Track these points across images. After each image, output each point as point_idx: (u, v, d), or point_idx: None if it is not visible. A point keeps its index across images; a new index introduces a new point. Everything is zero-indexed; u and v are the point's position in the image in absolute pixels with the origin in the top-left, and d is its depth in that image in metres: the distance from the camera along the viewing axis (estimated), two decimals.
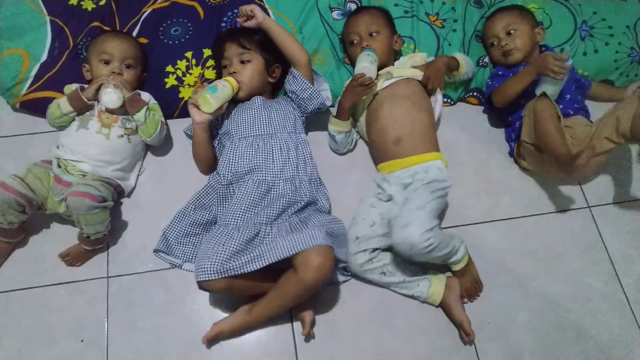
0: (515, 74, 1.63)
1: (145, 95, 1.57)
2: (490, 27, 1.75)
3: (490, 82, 1.73)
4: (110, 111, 1.49)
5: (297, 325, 1.40)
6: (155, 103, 1.59)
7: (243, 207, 1.37)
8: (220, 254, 1.24)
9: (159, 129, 1.53)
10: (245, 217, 1.36)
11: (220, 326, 1.34)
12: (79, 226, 1.36)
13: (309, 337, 1.37)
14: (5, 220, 1.35)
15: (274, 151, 1.45)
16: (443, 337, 1.43)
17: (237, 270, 1.23)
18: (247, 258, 1.24)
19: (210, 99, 1.40)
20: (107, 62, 1.53)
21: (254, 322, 1.35)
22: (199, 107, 1.42)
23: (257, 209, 1.38)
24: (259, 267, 1.23)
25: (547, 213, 1.63)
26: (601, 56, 1.82)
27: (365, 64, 1.52)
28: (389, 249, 1.45)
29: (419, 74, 1.62)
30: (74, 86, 1.51)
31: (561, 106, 1.58)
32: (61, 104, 1.48)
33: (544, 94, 1.49)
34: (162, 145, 1.64)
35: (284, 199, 1.38)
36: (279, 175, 1.42)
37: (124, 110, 1.50)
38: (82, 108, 1.48)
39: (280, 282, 1.29)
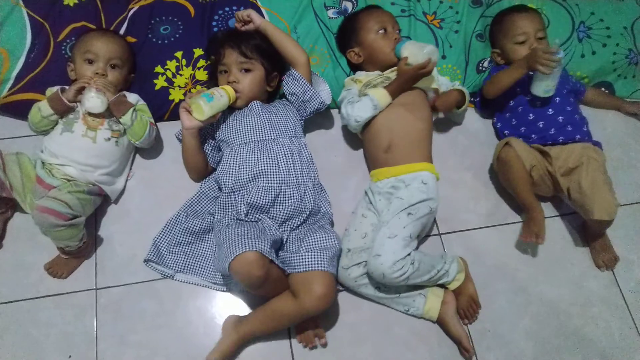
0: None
1: (133, 97, 1.50)
2: (522, 23, 1.67)
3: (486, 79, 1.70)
4: (95, 114, 1.42)
5: (295, 337, 1.37)
6: (144, 104, 1.53)
7: (248, 211, 1.34)
8: (259, 240, 1.18)
9: (148, 131, 1.46)
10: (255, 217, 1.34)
11: (212, 358, 1.28)
12: None
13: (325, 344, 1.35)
14: None
15: (278, 157, 1.40)
16: (443, 344, 1.40)
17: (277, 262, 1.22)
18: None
19: (204, 107, 1.34)
20: (91, 62, 1.46)
21: (244, 341, 1.31)
22: (190, 112, 1.37)
23: (265, 216, 1.34)
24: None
25: (547, 218, 1.60)
26: (599, 58, 1.81)
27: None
28: None
29: (423, 84, 1.58)
30: (55, 88, 1.44)
31: (551, 112, 1.59)
32: (41, 107, 1.41)
33: (508, 144, 1.48)
34: (152, 149, 1.58)
35: (290, 208, 1.35)
36: (286, 182, 1.37)
37: (110, 112, 1.43)
38: (63, 111, 1.42)
39: (275, 303, 1.27)
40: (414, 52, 1.48)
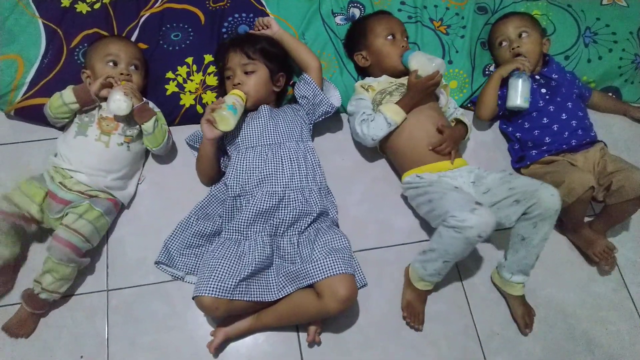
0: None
1: (149, 104, 1.53)
2: (500, 27, 1.74)
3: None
4: (114, 118, 1.44)
5: (304, 336, 1.37)
6: (159, 111, 1.55)
7: (253, 220, 1.35)
8: (229, 277, 1.23)
9: (167, 139, 1.49)
10: (255, 229, 1.35)
11: (227, 332, 1.32)
12: (42, 274, 1.28)
13: (312, 343, 1.35)
14: None
15: (283, 160, 1.42)
16: (452, 347, 1.41)
17: (246, 298, 1.24)
18: (259, 288, 1.27)
19: (231, 119, 1.38)
20: (114, 64, 1.48)
21: (260, 329, 1.35)
22: (213, 123, 1.39)
23: (269, 221, 1.36)
24: (273, 299, 1.28)
25: None
26: (605, 62, 1.82)
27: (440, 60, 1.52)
28: None
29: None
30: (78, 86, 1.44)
31: (565, 116, 1.62)
32: (64, 94, 1.41)
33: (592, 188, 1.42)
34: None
35: (295, 212, 1.36)
36: (289, 185, 1.39)
37: (128, 117, 1.45)
38: (85, 101, 1.42)
39: (297, 300, 1.29)
40: (423, 64, 1.50)
